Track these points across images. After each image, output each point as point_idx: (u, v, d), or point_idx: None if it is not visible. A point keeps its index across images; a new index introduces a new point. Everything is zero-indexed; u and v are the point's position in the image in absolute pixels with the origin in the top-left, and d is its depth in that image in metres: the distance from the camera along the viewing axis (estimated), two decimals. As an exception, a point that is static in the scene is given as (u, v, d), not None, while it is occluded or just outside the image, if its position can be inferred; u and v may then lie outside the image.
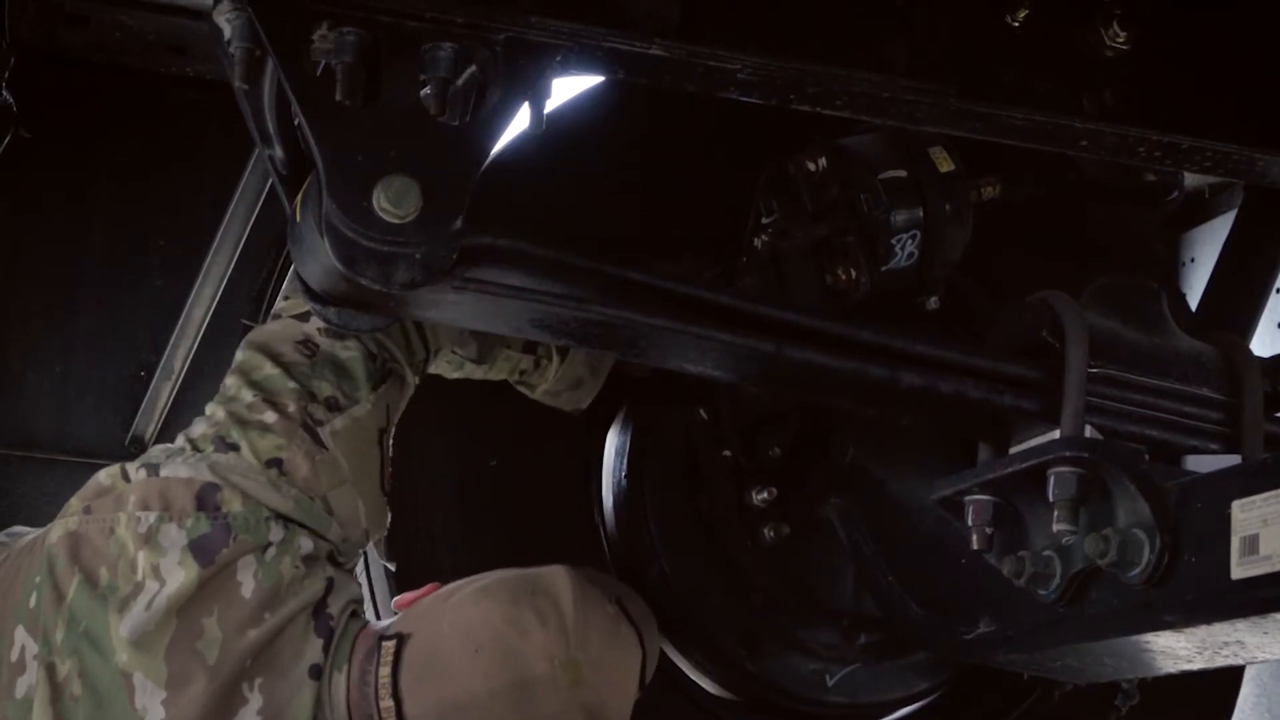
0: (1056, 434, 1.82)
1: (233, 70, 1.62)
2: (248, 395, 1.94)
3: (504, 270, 1.73)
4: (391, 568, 2.37)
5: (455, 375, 2.24)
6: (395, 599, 2.02)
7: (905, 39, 1.74)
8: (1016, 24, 1.77)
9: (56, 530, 1.88)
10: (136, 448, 2.84)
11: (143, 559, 1.81)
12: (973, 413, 1.91)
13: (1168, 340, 1.99)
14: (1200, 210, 3.14)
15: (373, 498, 1.98)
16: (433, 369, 2.19)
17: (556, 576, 1.90)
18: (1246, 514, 1.53)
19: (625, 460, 2.48)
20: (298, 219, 1.73)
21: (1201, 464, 1.85)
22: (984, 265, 2.26)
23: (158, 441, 2.79)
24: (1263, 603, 1.51)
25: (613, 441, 2.51)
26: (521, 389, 2.32)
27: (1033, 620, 1.84)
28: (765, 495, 2.39)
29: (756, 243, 2.21)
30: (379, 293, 1.64)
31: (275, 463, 1.89)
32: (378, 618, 2.36)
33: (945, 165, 2.08)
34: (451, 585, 1.95)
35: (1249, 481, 1.55)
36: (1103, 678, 2.01)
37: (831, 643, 2.51)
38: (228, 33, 1.60)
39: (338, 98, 1.55)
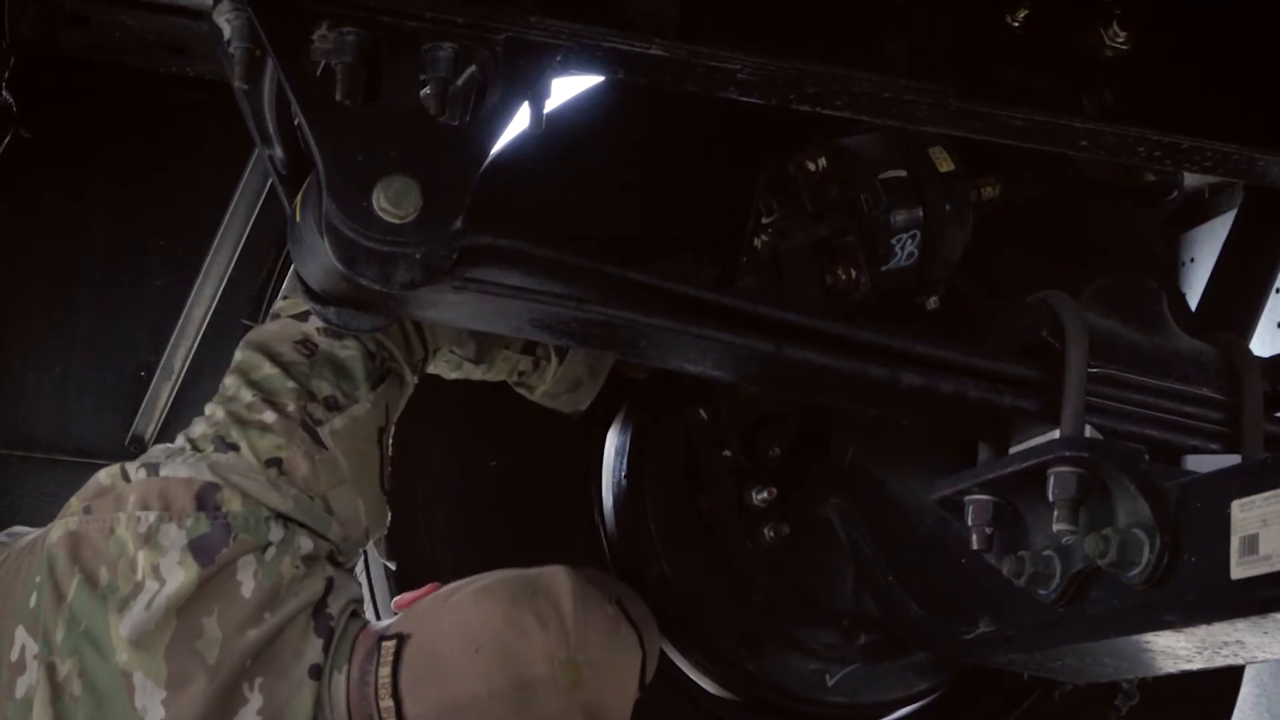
0: (1056, 434, 1.82)
1: (233, 70, 1.62)
2: (247, 395, 1.94)
3: (504, 270, 1.73)
4: (392, 567, 2.37)
5: (454, 375, 2.24)
6: (395, 599, 2.02)
7: (905, 39, 1.74)
8: (1016, 24, 1.77)
9: (56, 530, 1.88)
10: (136, 448, 2.84)
11: (143, 559, 1.81)
12: (973, 413, 1.91)
13: (1168, 340, 1.99)
14: (1200, 210, 3.13)
15: (372, 497, 1.98)
16: (431, 369, 2.19)
17: (556, 577, 1.90)
18: (1246, 514, 1.53)
19: (625, 460, 2.48)
20: (298, 219, 1.73)
21: (1201, 464, 1.85)
22: (984, 265, 2.26)
23: (158, 441, 2.78)
24: (1263, 602, 1.51)
25: (613, 441, 2.51)
26: (520, 390, 2.32)
27: (1033, 620, 1.84)
28: (765, 495, 2.39)
29: (756, 243, 2.21)
30: (379, 293, 1.63)
31: (275, 462, 1.89)
32: (378, 618, 2.36)
33: (945, 165, 2.08)
34: (451, 585, 1.95)
35: (1249, 481, 1.55)
36: (1103, 678, 2.01)
37: (831, 643, 2.51)
38: (228, 33, 1.60)
39: (338, 98, 1.55)
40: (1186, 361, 1.96)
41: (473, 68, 1.60)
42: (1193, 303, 2.37)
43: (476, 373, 2.24)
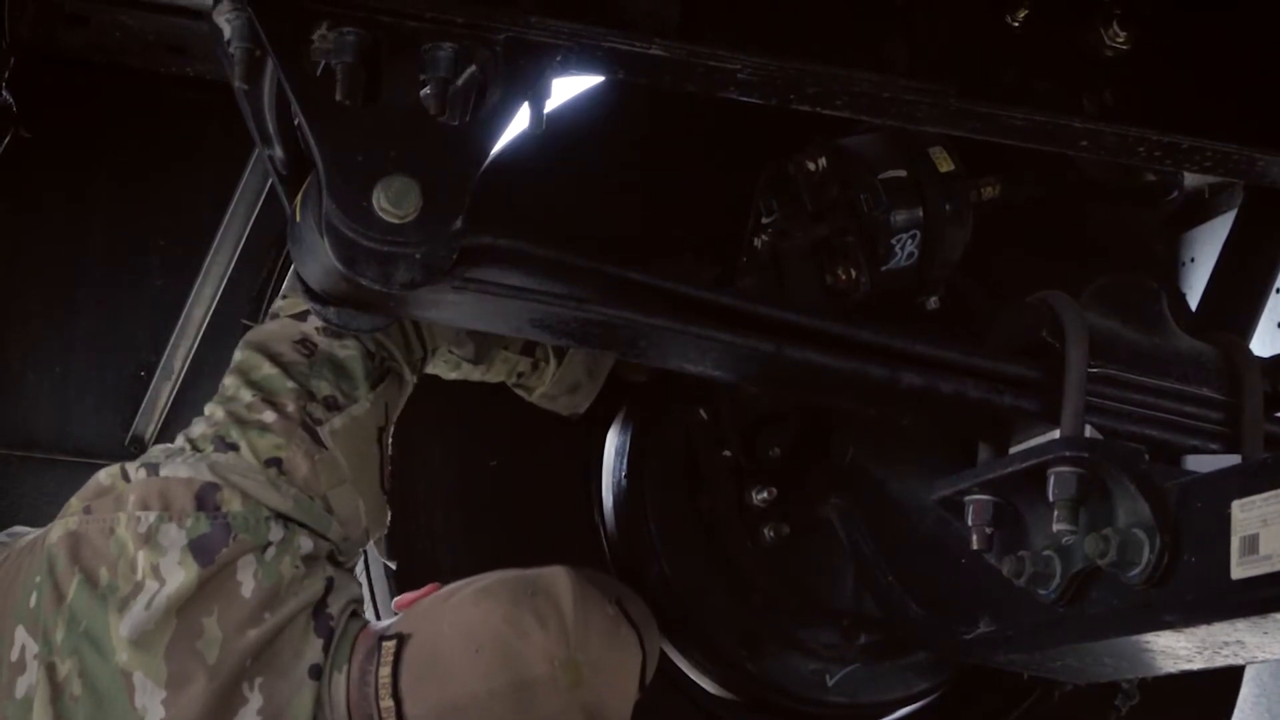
0: (1056, 434, 1.82)
1: (233, 70, 1.62)
2: (246, 395, 1.94)
3: (504, 270, 1.73)
4: (392, 566, 2.37)
5: (452, 376, 2.24)
6: (395, 599, 2.02)
7: (905, 39, 1.74)
8: (1016, 24, 1.77)
9: (56, 530, 1.88)
10: (136, 448, 2.83)
11: (143, 559, 1.81)
12: (973, 413, 1.91)
13: (1168, 340, 1.99)
14: (1200, 210, 3.13)
15: (372, 496, 1.98)
16: (430, 369, 2.19)
17: (557, 577, 1.90)
18: (1246, 514, 1.53)
19: (625, 460, 2.48)
20: (298, 219, 1.73)
21: (1201, 464, 1.85)
22: (984, 265, 2.26)
23: (158, 441, 2.78)
24: (1263, 602, 1.51)
25: (613, 441, 2.51)
26: (518, 392, 2.32)
27: (1033, 620, 1.84)
28: (765, 495, 2.38)
29: (756, 243, 2.21)
30: (379, 293, 1.64)
31: (274, 462, 1.89)
32: (378, 617, 2.36)
33: (945, 165, 2.08)
34: (452, 585, 1.95)
35: (1249, 481, 1.55)
36: (1103, 678, 2.01)
37: (831, 643, 2.51)
38: (228, 33, 1.60)
39: (338, 98, 1.55)
40: (1186, 361, 1.96)
41: (473, 68, 1.60)
42: (1193, 303, 2.37)
43: (475, 373, 2.24)
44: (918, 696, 2.59)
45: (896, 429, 2.11)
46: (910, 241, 2.07)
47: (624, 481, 2.48)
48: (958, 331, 2.09)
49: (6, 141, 2.63)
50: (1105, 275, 2.02)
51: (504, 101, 1.62)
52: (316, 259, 1.66)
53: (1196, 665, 1.75)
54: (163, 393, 2.87)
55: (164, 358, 2.86)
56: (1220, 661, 1.71)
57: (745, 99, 1.72)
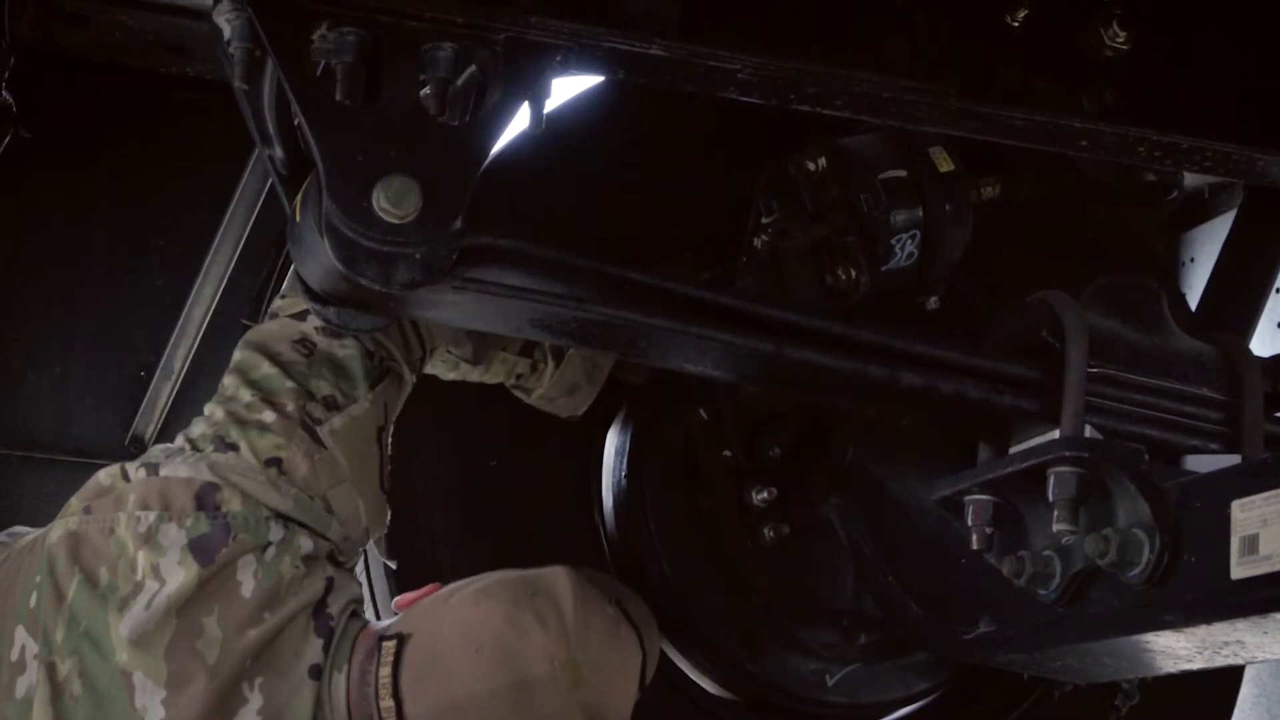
0: (1056, 434, 1.82)
1: (233, 70, 1.62)
2: (246, 395, 1.94)
3: (504, 270, 1.73)
4: (392, 566, 2.37)
5: (450, 376, 2.24)
6: (395, 599, 2.02)
7: (905, 39, 1.74)
8: (1016, 24, 1.77)
9: (56, 530, 1.88)
10: (136, 448, 2.83)
11: (143, 558, 1.81)
12: (973, 413, 1.91)
13: (1168, 340, 1.99)
14: (1200, 210, 3.13)
15: (372, 496, 1.98)
16: (428, 369, 2.19)
17: (557, 577, 1.90)
18: (1246, 514, 1.53)
19: (625, 460, 2.48)
20: (298, 219, 1.73)
21: (1201, 464, 1.85)
22: (984, 265, 2.26)
23: (158, 441, 2.78)
24: (1263, 602, 1.51)
25: (613, 441, 2.51)
26: (517, 393, 2.32)
27: (1033, 620, 1.84)
28: (765, 495, 2.39)
29: (756, 243, 2.21)
30: (379, 293, 1.63)
31: (274, 462, 1.89)
32: (378, 618, 2.36)
33: (945, 165, 2.08)
34: (452, 585, 1.95)
35: (1249, 481, 1.55)
36: (1103, 678, 2.01)
37: (831, 643, 2.51)
38: (228, 33, 1.60)
39: (338, 98, 1.55)
40: (1186, 361, 1.96)
41: (473, 68, 1.60)
42: (1193, 303, 2.37)
43: (474, 374, 2.24)
44: (918, 696, 2.59)
45: (896, 429, 2.11)
46: (910, 241, 2.07)
47: (624, 481, 2.48)
48: (958, 331, 2.09)
49: (6, 141, 2.64)
50: (1105, 275, 2.02)
51: (504, 101, 1.62)
52: (316, 259, 1.66)
53: (1196, 665, 1.75)
54: (163, 393, 2.87)
55: (164, 358, 2.86)
56: (1220, 661, 1.71)
57: (745, 99, 1.72)
